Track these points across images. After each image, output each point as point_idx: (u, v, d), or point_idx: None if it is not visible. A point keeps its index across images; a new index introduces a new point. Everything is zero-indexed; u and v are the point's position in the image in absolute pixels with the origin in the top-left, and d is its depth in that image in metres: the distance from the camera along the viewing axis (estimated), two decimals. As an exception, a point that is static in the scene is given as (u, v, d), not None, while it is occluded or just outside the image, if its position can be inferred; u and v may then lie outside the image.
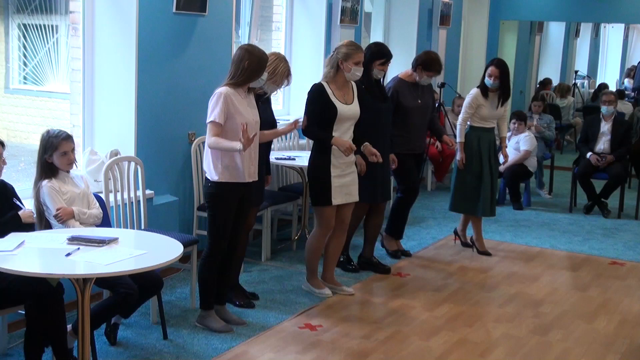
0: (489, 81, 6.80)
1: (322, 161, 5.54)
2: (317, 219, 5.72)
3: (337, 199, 5.59)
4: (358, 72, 5.50)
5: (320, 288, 5.83)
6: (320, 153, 5.56)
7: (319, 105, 5.48)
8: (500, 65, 6.83)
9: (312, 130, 5.52)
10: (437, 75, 6.56)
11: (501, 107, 6.91)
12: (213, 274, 5.06)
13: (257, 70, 4.85)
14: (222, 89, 4.80)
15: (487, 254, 7.14)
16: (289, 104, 8.29)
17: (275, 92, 5.55)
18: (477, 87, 6.91)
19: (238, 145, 4.66)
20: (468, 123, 6.90)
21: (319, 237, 5.76)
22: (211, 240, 5.01)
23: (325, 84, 5.51)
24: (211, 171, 4.87)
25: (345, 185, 5.61)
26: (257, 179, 5.02)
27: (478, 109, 6.83)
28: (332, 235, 5.81)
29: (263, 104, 5.36)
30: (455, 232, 7.38)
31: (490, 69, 6.81)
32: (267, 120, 5.37)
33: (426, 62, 6.46)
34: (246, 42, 7.42)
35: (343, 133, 5.52)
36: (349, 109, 5.52)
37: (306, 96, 5.56)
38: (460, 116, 6.89)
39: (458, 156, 6.85)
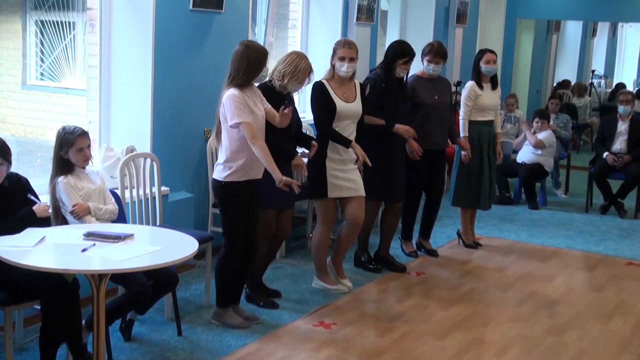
0: (487, 67, 6.86)
1: (319, 158, 5.55)
2: (318, 214, 5.76)
3: (333, 192, 5.59)
4: (343, 67, 5.54)
5: (334, 284, 5.83)
6: (318, 151, 5.51)
7: (323, 102, 5.53)
8: (494, 51, 6.98)
9: (329, 129, 5.54)
10: (436, 58, 6.43)
11: (496, 96, 6.97)
12: (231, 273, 5.06)
13: (256, 68, 4.77)
14: (231, 91, 4.73)
15: (473, 246, 7.21)
16: (305, 102, 8.28)
17: (299, 90, 5.46)
18: (471, 79, 6.96)
19: (280, 177, 4.74)
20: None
21: (322, 233, 5.76)
22: (227, 241, 4.99)
23: (324, 82, 5.60)
24: (223, 171, 4.84)
25: (348, 180, 5.61)
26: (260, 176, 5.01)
27: (477, 100, 6.85)
28: (343, 228, 5.81)
29: (288, 103, 5.36)
30: (458, 234, 7.36)
31: (487, 54, 6.89)
32: (293, 119, 5.36)
33: (424, 49, 6.53)
34: (263, 40, 7.45)
35: (341, 130, 5.56)
36: (348, 108, 5.55)
37: (310, 96, 5.61)
38: (462, 110, 6.89)
39: (464, 151, 6.84)
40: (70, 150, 4.47)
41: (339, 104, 5.52)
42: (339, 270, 5.93)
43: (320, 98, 5.55)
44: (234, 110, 4.69)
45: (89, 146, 4.58)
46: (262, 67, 4.84)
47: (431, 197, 6.81)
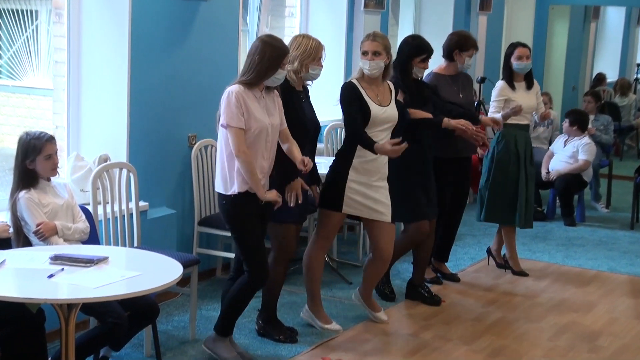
0: (520, 64, 6.88)
1: (343, 163, 5.54)
2: (319, 225, 5.69)
3: (349, 208, 5.53)
4: (365, 65, 5.48)
5: (327, 323, 5.70)
6: (343, 155, 5.57)
7: (355, 105, 5.44)
8: (527, 45, 6.99)
9: (362, 135, 5.45)
10: (476, 52, 6.58)
11: (532, 96, 6.98)
12: (248, 301, 5.09)
13: (269, 67, 4.78)
14: (232, 87, 4.78)
15: (523, 274, 7.18)
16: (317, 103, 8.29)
17: (316, 78, 5.43)
18: (501, 79, 6.99)
19: (262, 195, 4.80)
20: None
21: (318, 248, 5.70)
22: (250, 267, 4.96)
23: (355, 82, 5.53)
24: (229, 183, 4.84)
25: (371, 199, 5.55)
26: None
27: (508, 103, 6.83)
28: (371, 260, 5.76)
29: (305, 101, 5.40)
30: (489, 252, 7.36)
31: (519, 49, 6.92)
32: (312, 120, 5.39)
33: (459, 41, 6.54)
34: (255, 31, 7.48)
35: (374, 138, 5.45)
36: (383, 112, 5.48)
37: (339, 98, 5.56)
38: (490, 111, 6.92)
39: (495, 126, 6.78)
40: (37, 158, 4.47)
41: (373, 107, 5.44)
42: (371, 304, 5.91)
43: (351, 100, 5.46)
44: (228, 111, 4.73)
45: (56, 152, 4.59)
46: (277, 67, 4.81)
47: (450, 212, 6.78)
